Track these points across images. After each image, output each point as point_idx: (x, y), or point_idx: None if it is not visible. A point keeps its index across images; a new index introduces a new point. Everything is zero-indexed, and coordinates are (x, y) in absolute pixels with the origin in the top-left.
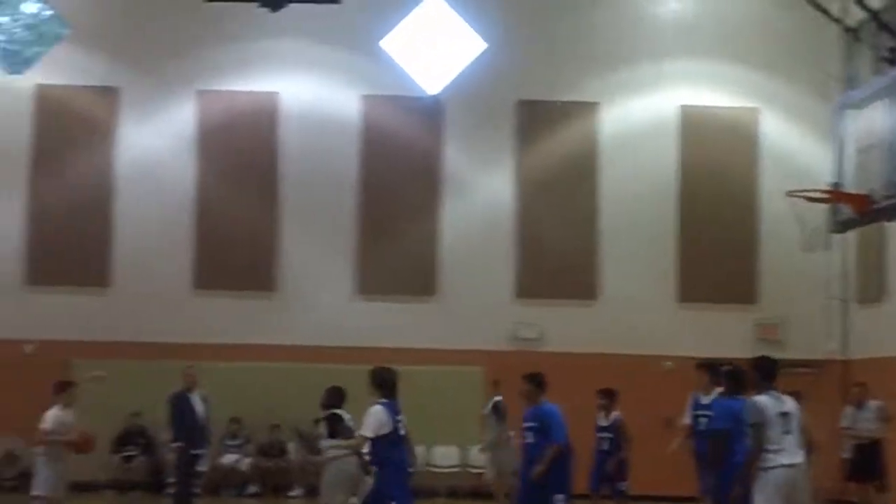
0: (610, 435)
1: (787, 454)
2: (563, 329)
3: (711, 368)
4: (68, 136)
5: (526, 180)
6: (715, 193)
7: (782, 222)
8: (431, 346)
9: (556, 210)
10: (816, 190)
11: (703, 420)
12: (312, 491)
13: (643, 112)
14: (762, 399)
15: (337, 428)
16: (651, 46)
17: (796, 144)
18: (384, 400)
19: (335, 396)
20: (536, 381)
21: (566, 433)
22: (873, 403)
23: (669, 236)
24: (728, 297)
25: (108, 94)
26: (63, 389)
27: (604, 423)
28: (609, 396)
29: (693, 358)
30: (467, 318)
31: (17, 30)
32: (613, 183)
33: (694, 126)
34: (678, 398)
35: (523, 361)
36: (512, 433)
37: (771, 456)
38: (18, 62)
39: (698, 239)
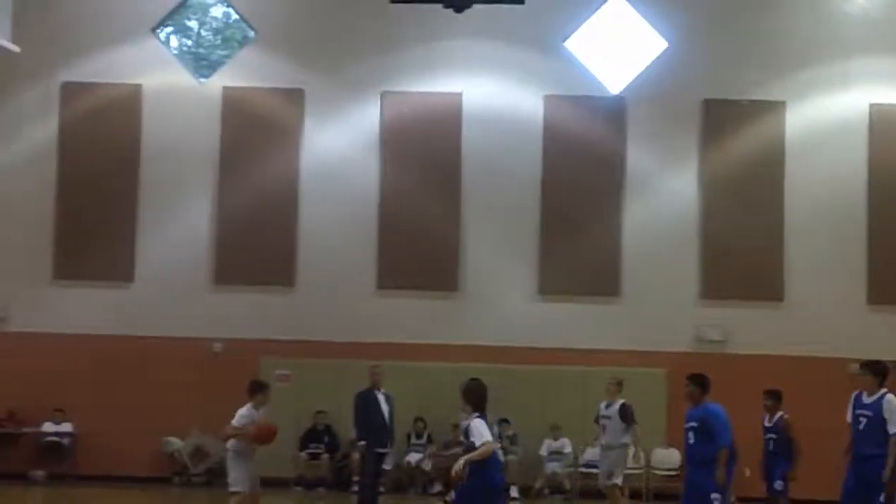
0: (774, 436)
1: None
2: (749, 331)
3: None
4: (254, 137)
5: (710, 180)
6: None
7: None
8: (614, 347)
9: (742, 210)
10: None
11: (862, 420)
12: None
13: (831, 111)
14: None
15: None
16: (839, 44)
17: None
18: (478, 413)
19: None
20: (699, 382)
21: (731, 435)
22: None
23: (858, 237)
24: None
25: (293, 95)
26: (258, 391)
27: (768, 423)
28: (773, 397)
29: (884, 361)
30: (650, 320)
31: (205, 34)
32: (800, 183)
33: (884, 125)
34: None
35: (707, 363)
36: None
37: None
38: (205, 66)
39: (889, 240)
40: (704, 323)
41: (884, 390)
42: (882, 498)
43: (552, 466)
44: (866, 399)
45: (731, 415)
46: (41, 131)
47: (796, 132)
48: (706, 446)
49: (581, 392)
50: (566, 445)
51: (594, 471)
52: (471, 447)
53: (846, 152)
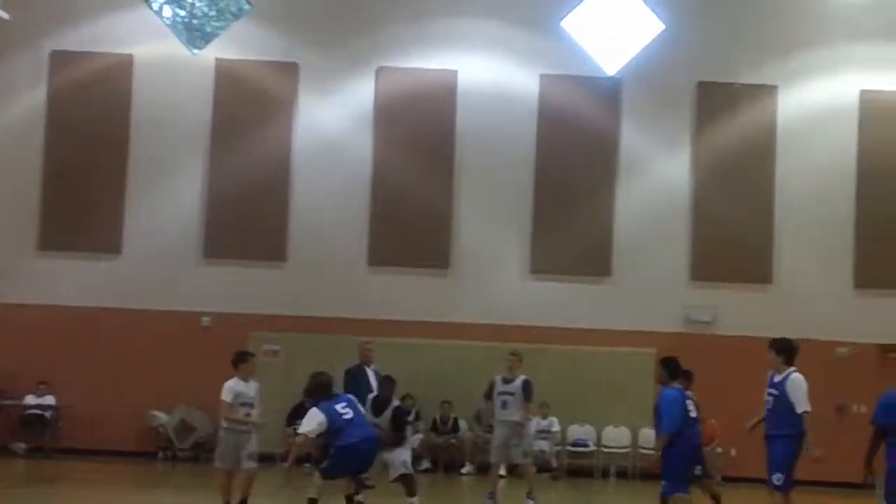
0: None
1: None
2: (737, 313)
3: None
4: (247, 111)
5: (702, 162)
6: (895, 180)
7: None
8: (604, 326)
9: (733, 193)
10: None
11: (769, 399)
12: (484, 468)
13: (822, 96)
14: None
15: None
16: (831, 30)
17: None
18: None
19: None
20: (666, 365)
21: (677, 423)
22: None
23: (847, 221)
24: None
25: (288, 69)
26: (241, 360)
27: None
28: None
29: (869, 344)
30: (640, 300)
31: (199, 5)
32: (791, 167)
33: (874, 111)
34: (851, 385)
35: (696, 344)
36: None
37: None
38: (199, 37)
39: (877, 225)
40: (693, 304)
41: (791, 369)
42: (775, 479)
43: (540, 445)
44: (776, 378)
45: (716, 394)
46: (30, 100)
47: (788, 116)
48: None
49: (570, 371)
50: (554, 424)
51: (582, 449)
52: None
53: (836, 137)
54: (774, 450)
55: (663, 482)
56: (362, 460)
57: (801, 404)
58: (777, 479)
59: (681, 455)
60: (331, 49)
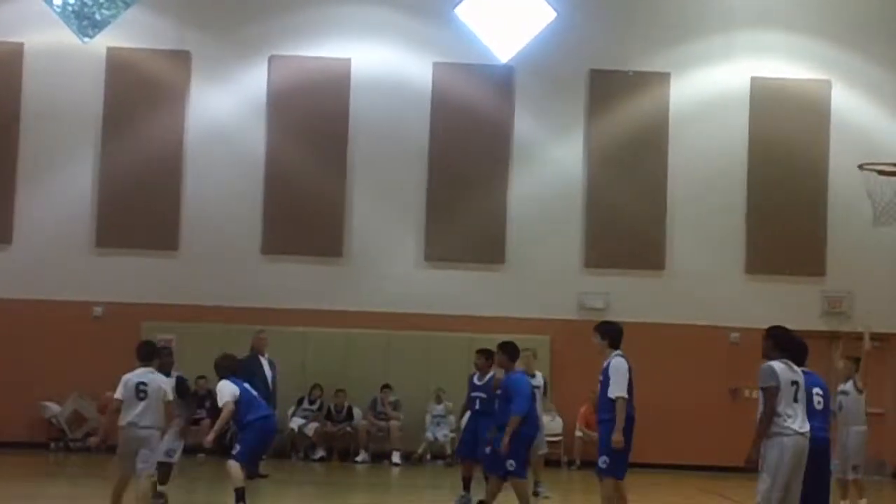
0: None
1: (797, 421)
2: (630, 299)
3: None
4: (139, 99)
5: (596, 150)
6: (785, 165)
7: (852, 195)
8: (498, 314)
9: (626, 180)
10: (888, 164)
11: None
12: (378, 456)
13: (714, 83)
14: (775, 364)
15: None
16: (722, 17)
17: (868, 118)
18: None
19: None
20: (504, 350)
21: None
22: None
23: (738, 208)
24: (796, 269)
25: (180, 57)
26: (156, 355)
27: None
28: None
29: (759, 330)
30: (534, 287)
31: None
32: (683, 154)
33: (765, 98)
34: (744, 369)
35: (589, 331)
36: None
37: (780, 422)
38: (89, 26)
39: (767, 211)
40: (587, 291)
41: (616, 353)
42: (601, 462)
43: (435, 432)
44: (603, 363)
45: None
46: None
47: (680, 103)
48: (506, 412)
49: (465, 358)
50: (450, 410)
51: None
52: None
53: (728, 124)
54: (602, 435)
55: (510, 461)
56: (268, 439)
57: (614, 389)
58: (603, 461)
59: (526, 437)
60: (223, 37)
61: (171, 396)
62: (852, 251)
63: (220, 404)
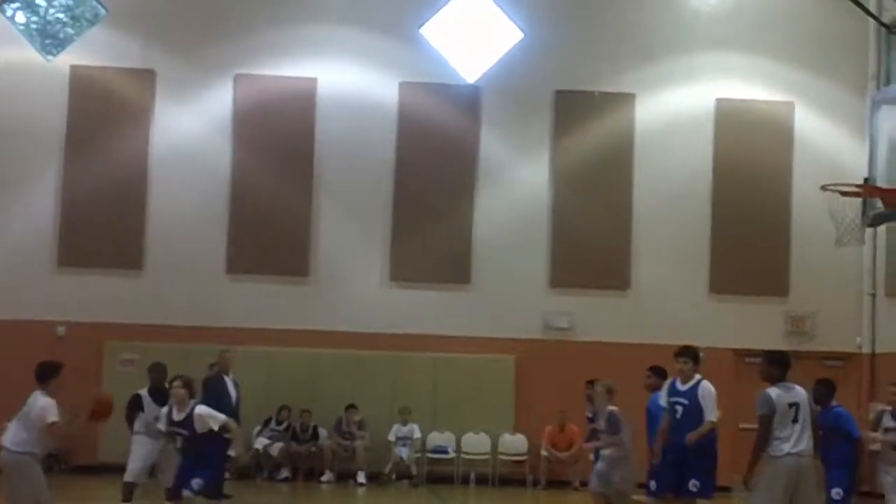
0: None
1: (790, 442)
2: (595, 319)
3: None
4: (103, 118)
5: (561, 170)
6: (749, 186)
7: (815, 216)
8: (464, 333)
9: (591, 200)
10: (850, 184)
11: (679, 408)
12: (343, 476)
13: (679, 104)
14: (772, 390)
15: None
16: (688, 39)
17: (830, 139)
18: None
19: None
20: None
21: None
22: None
23: (703, 228)
24: (760, 290)
25: (145, 76)
26: (54, 375)
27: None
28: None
29: (725, 349)
30: (500, 307)
31: (53, 10)
32: (648, 174)
33: (729, 119)
34: None
35: (554, 350)
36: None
37: (776, 444)
38: (53, 44)
39: (732, 231)
40: (552, 310)
41: (698, 377)
42: (692, 485)
43: (400, 452)
44: (681, 386)
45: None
46: None
47: (645, 124)
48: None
49: (430, 378)
50: (415, 431)
51: (442, 456)
52: None
53: (693, 145)
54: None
55: None
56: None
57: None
58: (693, 485)
59: None
60: (188, 56)
61: (51, 419)
62: (815, 271)
63: (216, 427)
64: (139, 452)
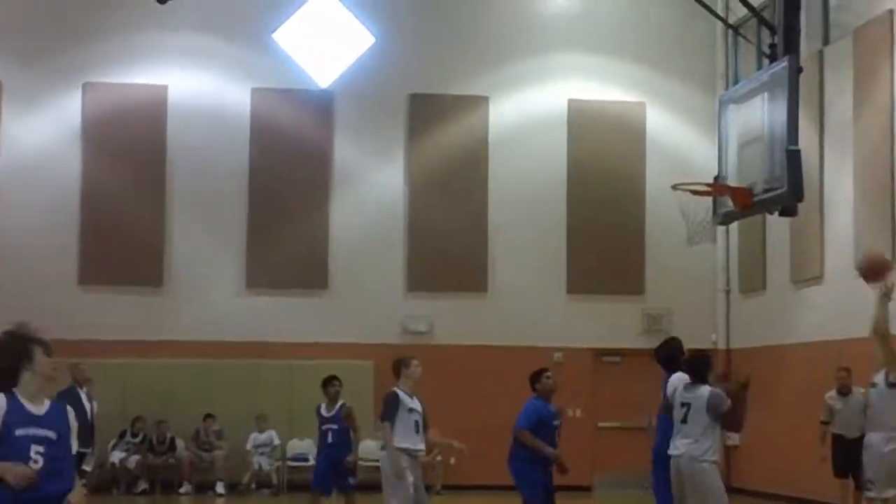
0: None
1: (674, 443)
2: (454, 322)
3: None
4: None
5: (416, 174)
6: (603, 187)
7: (668, 215)
8: (321, 339)
9: (447, 203)
10: (700, 183)
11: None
12: (202, 487)
13: (532, 106)
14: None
15: None
16: (539, 41)
17: (681, 138)
18: None
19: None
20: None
21: None
22: (858, 391)
23: (559, 229)
24: (617, 289)
25: None
26: None
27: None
28: None
29: (583, 349)
30: (357, 312)
31: None
32: (503, 176)
33: (582, 120)
34: (569, 389)
35: (413, 354)
36: None
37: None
38: None
39: (587, 231)
40: (410, 314)
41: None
42: None
43: (259, 460)
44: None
45: (434, 403)
46: None
47: (499, 126)
48: None
49: (288, 385)
50: (273, 438)
51: (302, 464)
52: None
53: (547, 146)
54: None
55: None
56: None
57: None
58: None
59: None
60: (35, 64)
61: None
62: (670, 269)
63: None
64: None
